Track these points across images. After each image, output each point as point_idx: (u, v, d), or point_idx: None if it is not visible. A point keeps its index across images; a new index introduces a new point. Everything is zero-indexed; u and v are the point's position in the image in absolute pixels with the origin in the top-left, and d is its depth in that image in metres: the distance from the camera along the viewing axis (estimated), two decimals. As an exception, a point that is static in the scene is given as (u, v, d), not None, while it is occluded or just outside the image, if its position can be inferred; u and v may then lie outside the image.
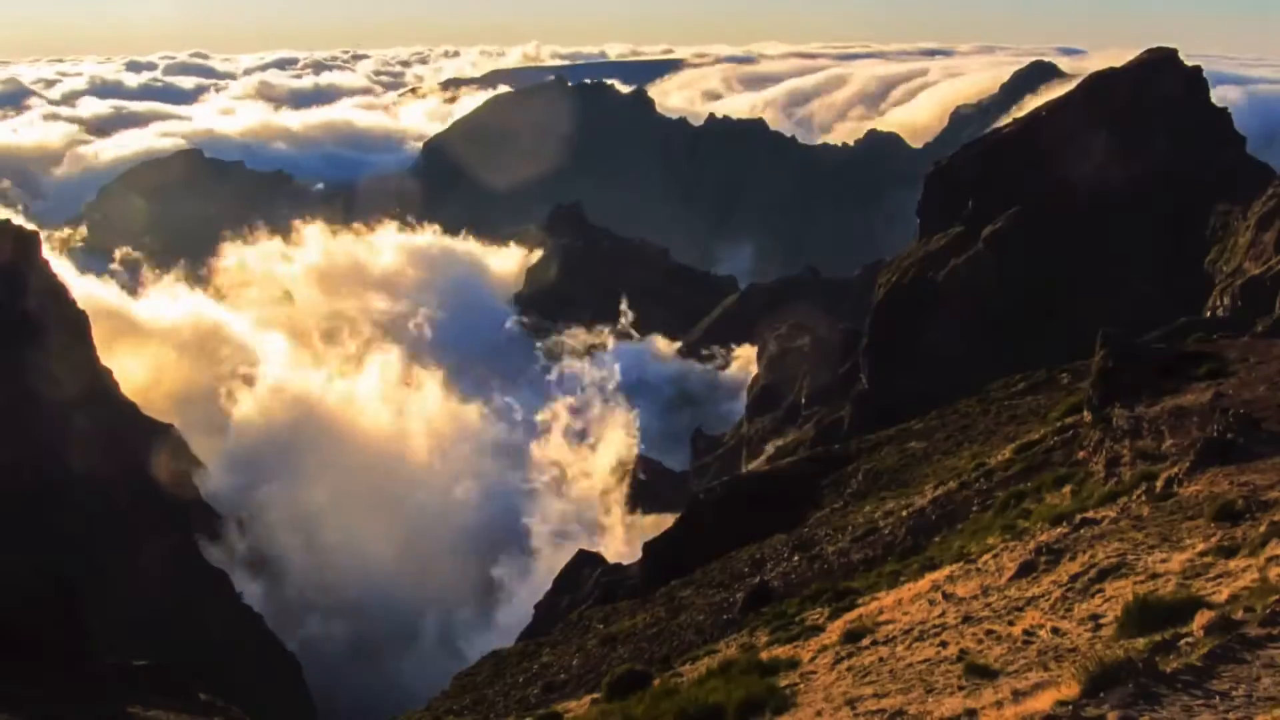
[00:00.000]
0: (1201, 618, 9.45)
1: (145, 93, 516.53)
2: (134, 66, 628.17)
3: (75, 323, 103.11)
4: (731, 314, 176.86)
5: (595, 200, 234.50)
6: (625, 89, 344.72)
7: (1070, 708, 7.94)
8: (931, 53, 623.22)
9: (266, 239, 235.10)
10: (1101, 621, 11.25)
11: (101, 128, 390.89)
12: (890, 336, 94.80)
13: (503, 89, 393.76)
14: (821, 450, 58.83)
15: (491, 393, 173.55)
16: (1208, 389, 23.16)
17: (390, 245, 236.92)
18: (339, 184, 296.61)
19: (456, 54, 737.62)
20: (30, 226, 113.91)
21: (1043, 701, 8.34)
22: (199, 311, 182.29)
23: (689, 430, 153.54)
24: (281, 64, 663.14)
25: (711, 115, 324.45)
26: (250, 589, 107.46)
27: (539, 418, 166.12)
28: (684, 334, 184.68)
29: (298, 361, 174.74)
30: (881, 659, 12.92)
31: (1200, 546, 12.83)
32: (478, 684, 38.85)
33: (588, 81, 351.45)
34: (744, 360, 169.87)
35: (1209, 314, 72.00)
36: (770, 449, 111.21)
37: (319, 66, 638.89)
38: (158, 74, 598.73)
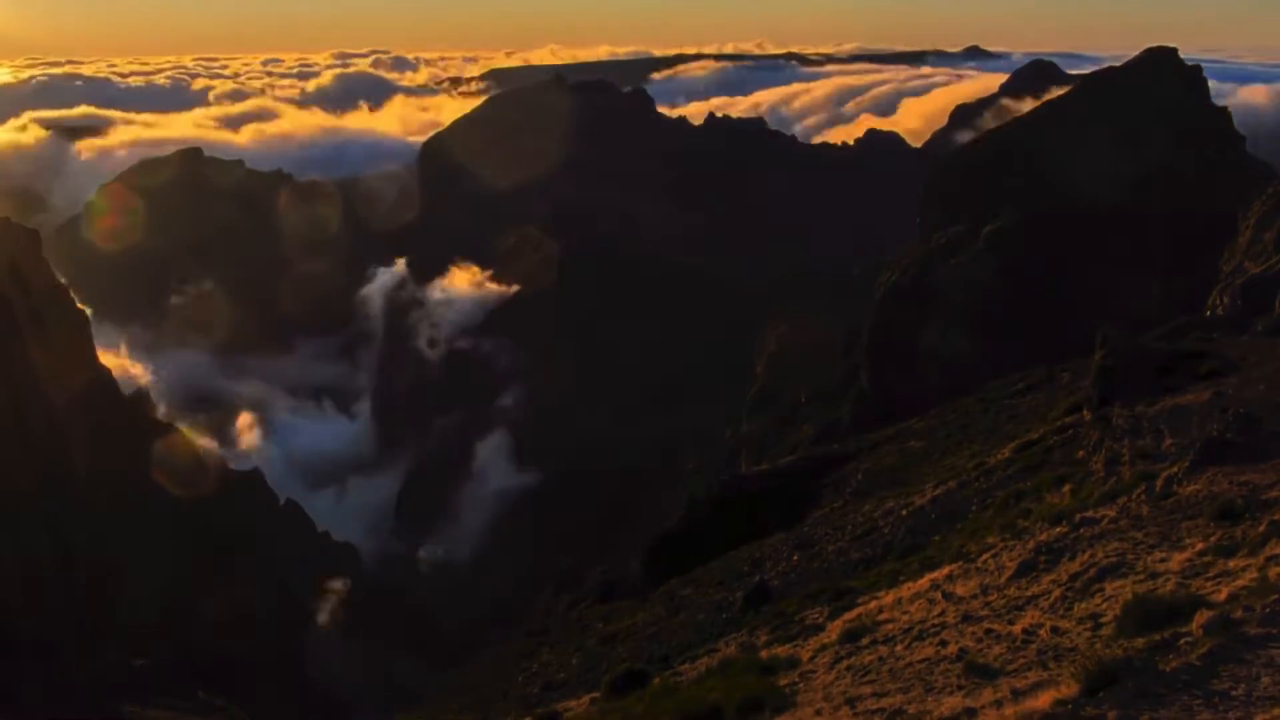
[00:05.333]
0: (1201, 617, 9.45)
1: (146, 92, 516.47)
2: (136, 67, 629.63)
3: (75, 322, 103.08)
4: (731, 314, 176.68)
5: (595, 200, 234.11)
6: (625, 89, 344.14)
7: (1070, 707, 7.96)
8: (931, 54, 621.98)
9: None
10: (1101, 621, 11.24)
11: (101, 128, 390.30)
12: (890, 336, 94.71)
13: (503, 88, 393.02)
14: (821, 450, 58.84)
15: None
16: (1208, 389, 23.16)
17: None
18: (339, 183, 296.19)
19: (456, 54, 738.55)
20: (30, 225, 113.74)
21: (1042, 701, 8.36)
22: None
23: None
24: (281, 64, 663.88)
25: (711, 115, 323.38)
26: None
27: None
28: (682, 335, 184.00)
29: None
30: (881, 658, 12.92)
31: (1200, 546, 12.82)
32: (478, 683, 38.87)
33: (588, 81, 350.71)
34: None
35: (1209, 314, 71.86)
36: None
37: (318, 66, 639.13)
38: (159, 75, 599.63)
